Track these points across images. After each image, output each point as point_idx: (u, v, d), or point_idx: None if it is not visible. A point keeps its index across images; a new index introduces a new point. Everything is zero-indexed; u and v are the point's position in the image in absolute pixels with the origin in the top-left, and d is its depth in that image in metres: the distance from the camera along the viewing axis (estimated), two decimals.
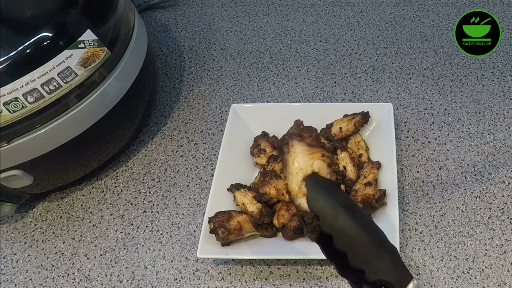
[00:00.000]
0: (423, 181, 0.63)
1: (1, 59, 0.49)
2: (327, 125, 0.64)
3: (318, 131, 0.63)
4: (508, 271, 0.54)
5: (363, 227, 0.35)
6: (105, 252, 0.59)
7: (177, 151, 0.69)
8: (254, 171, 0.62)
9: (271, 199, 0.55)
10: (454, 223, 0.58)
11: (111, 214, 0.62)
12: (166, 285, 0.55)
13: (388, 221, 0.55)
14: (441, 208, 0.60)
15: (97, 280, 0.56)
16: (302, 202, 0.35)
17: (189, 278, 0.56)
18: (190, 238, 0.59)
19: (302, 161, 0.36)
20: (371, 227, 0.36)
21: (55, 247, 0.59)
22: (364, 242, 0.34)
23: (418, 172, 0.64)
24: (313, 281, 0.55)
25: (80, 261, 0.58)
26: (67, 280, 0.56)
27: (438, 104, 0.72)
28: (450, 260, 0.55)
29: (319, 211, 0.34)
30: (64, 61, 0.52)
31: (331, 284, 0.54)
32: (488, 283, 0.53)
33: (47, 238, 0.60)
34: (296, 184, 0.36)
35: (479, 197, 0.61)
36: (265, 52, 0.82)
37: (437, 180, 0.63)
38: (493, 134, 0.68)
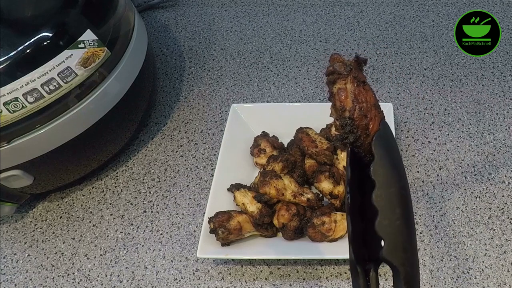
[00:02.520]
0: (423, 181, 0.63)
1: (1, 59, 0.49)
2: (327, 125, 0.64)
3: (318, 131, 0.63)
4: (508, 271, 0.54)
5: (406, 205, 0.31)
6: (105, 252, 0.59)
7: (177, 151, 0.69)
8: (254, 171, 0.62)
9: (271, 199, 0.55)
10: (454, 223, 0.58)
11: (111, 214, 0.62)
12: (166, 285, 0.55)
13: None
14: (441, 208, 0.60)
15: (97, 280, 0.56)
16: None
17: (189, 278, 0.56)
18: (190, 238, 0.59)
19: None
20: (411, 215, 0.32)
21: (55, 247, 0.59)
22: (402, 215, 0.30)
23: (418, 172, 0.64)
24: (313, 281, 0.55)
25: (80, 261, 0.58)
26: (67, 280, 0.56)
27: (438, 104, 0.72)
28: (450, 260, 0.55)
29: (381, 154, 0.31)
30: (64, 61, 0.52)
31: (331, 284, 0.54)
32: (488, 283, 0.53)
33: (47, 238, 0.60)
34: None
35: (479, 197, 0.61)
36: (265, 52, 0.82)
37: (437, 180, 0.63)
38: (493, 134, 0.68)
